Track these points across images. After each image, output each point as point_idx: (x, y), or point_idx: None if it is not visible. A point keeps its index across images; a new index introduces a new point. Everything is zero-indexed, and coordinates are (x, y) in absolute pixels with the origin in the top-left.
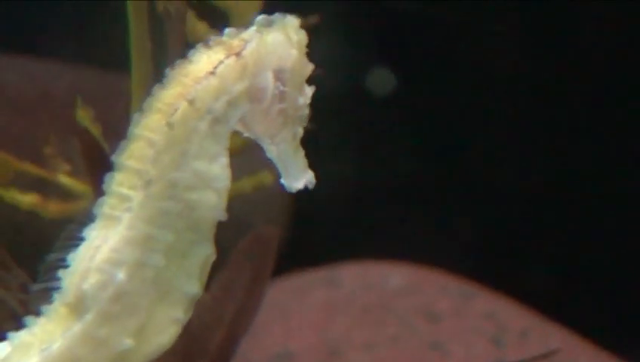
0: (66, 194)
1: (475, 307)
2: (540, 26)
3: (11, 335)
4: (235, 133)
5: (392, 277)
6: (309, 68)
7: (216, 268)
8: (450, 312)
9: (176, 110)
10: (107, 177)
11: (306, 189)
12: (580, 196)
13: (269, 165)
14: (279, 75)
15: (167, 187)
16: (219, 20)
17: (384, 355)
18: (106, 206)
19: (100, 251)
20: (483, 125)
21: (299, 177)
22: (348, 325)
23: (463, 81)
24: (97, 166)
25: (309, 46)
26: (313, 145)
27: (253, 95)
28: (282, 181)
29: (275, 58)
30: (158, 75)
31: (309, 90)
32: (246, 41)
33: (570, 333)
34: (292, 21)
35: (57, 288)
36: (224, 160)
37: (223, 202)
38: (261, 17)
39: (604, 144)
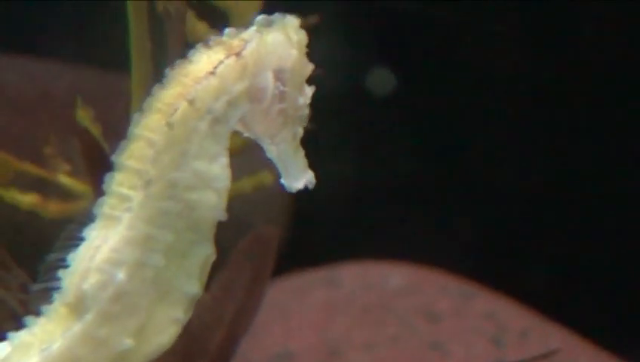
0: (66, 194)
1: (475, 307)
2: (540, 26)
3: (11, 335)
4: (235, 133)
5: (392, 277)
6: (309, 68)
7: (216, 268)
8: (450, 312)
9: (176, 110)
10: (107, 177)
11: (306, 189)
12: (580, 196)
13: (269, 165)
14: (279, 75)
15: (167, 187)
16: (219, 20)
17: (384, 355)
18: (106, 206)
19: (100, 251)
20: (483, 125)
21: (299, 177)
22: (348, 325)
23: (463, 81)
24: (97, 166)
25: (309, 46)
26: (313, 145)
27: (253, 95)
28: (282, 181)
29: (275, 58)
30: (158, 75)
31: (309, 90)
32: (246, 41)
33: (570, 333)
34: (292, 21)
35: (57, 288)
36: (224, 160)
37: (223, 202)
38: (261, 17)
39: (604, 144)
